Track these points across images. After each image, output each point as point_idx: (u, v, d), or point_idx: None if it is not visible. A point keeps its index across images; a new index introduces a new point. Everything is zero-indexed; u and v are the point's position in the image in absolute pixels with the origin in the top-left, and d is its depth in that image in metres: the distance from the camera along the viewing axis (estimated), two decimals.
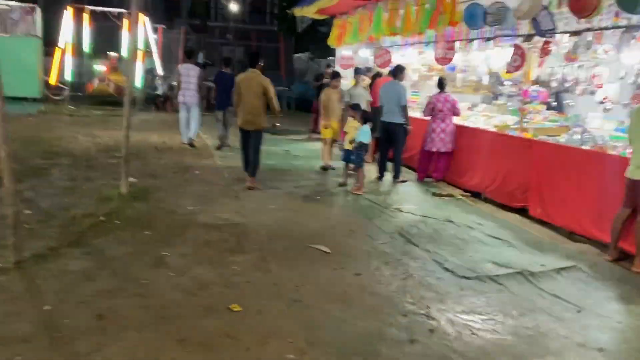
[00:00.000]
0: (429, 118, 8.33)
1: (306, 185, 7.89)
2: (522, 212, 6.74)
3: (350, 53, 13.50)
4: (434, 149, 8.25)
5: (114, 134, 11.32)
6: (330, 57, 26.43)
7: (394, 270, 4.61)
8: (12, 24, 17.21)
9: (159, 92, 18.41)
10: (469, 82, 9.50)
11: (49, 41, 18.89)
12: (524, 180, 6.77)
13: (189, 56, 11.06)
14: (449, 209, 6.89)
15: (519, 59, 6.68)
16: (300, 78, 27.22)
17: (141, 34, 18.05)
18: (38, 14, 17.50)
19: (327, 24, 32.53)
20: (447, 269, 4.69)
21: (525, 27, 7.02)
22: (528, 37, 6.76)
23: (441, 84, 8.28)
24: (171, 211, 5.91)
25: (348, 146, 7.81)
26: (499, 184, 7.24)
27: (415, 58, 10.90)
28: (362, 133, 7.53)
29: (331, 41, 11.75)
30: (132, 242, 4.82)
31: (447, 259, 4.94)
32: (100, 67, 19.01)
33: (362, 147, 7.53)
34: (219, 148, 10.60)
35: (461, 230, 5.95)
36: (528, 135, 7.18)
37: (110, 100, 17.59)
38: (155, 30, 20.70)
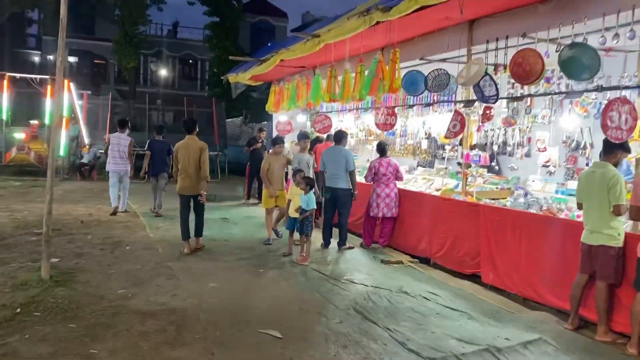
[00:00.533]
0: (371, 183, 8.19)
1: (248, 257, 7.41)
2: (475, 277, 6.58)
3: (287, 118, 13.43)
4: (380, 214, 8.07)
5: (34, 208, 10.45)
6: (264, 122, 26.67)
7: (354, 356, 4.20)
8: None
9: (85, 160, 17.47)
10: (407, 146, 9.54)
11: None
12: (474, 245, 6.65)
13: (122, 126, 10.94)
14: (400, 278, 6.62)
15: (459, 125, 6.72)
16: (233, 142, 27.00)
17: (66, 100, 17.33)
18: None
19: (258, 89, 32.96)
20: (411, 350, 4.33)
21: (462, 93, 7.14)
22: (468, 103, 6.85)
23: (382, 149, 8.21)
24: (100, 297, 5.25)
25: (294, 214, 7.48)
26: (447, 249, 7.09)
27: (353, 123, 10.91)
28: (308, 200, 7.25)
29: (269, 107, 11.60)
30: (54, 338, 4.15)
31: (408, 337, 4.60)
32: (19, 134, 17.95)
33: (309, 214, 7.22)
34: (155, 215, 10.59)
35: (417, 302, 5.66)
36: (472, 199, 7.16)
37: (30, 170, 16.50)
38: (80, 96, 19.97)
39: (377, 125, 8.56)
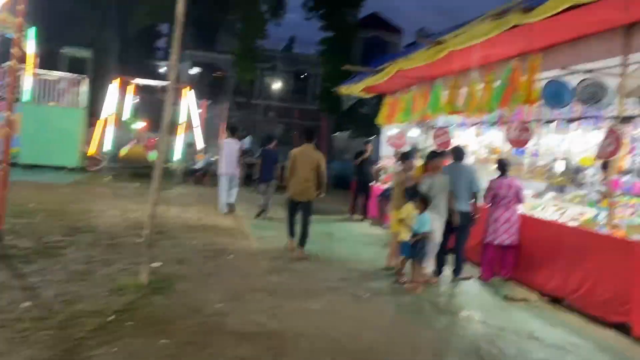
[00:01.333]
0: (489, 206, 7.28)
1: (353, 278, 6.82)
2: (622, 328, 5.47)
3: (397, 132, 12.78)
4: (496, 242, 7.13)
5: (147, 209, 10.62)
6: (372, 137, 26.15)
7: None
8: (58, 94, 17.33)
9: (198, 166, 17.97)
10: (537, 167, 8.46)
11: (93, 112, 18.98)
12: (622, 289, 5.53)
13: (233, 132, 11.94)
14: (528, 320, 5.67)
15: (614, 144, 5.66)
16: (339, 156, 26.75)
17: (185, 106, 17.99)
18: (85, 85, 17.63)
19: (367, 103, 32.51)
20: None
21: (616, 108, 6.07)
22: (625, 120, 5.79)
23: (502, 167, 7.27)
24: (196, 309, 4.91)
25: (404, 237, 6.79)
26: (587, 290, 6.00)
27: (474, 139, 9.99)
28: (422, 221, 6.52)
29: (380, 119, 11.04)
30: (143, 356, 3.80)
31: None
32: (136, 125, 18.90)
33: (423, 238, 6.49)
34: (258, 215, 11.12)
35: (553, 353, 4.73)
36: (621, 233, 6.03)
37: (148, 172, 17.19)
38: (199, 105, 20.71)
39: (510, 141, 7.57)
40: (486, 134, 9.26)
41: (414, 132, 11.84)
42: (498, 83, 6.81)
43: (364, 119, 31.86)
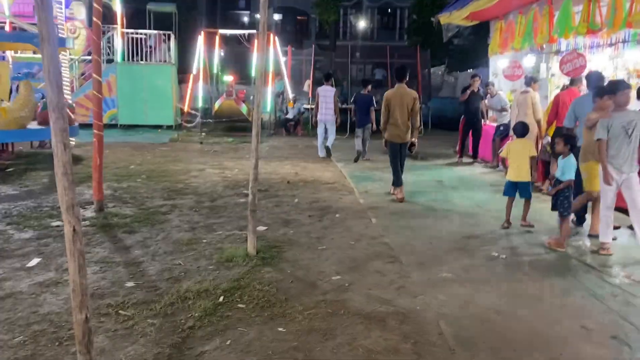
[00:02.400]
0: None
1: (480, 234, 5.95)
2: None
3: (507, 62, 11.34)
4: None
5: (244, 165, 10.24)
6: (469, 70, 24.21)
7: None
8: (148, 52, 17.27)
9: (289, 115, 17.41)
10: None
11: (182, 68, 18.85)
12: None
13: (327, 79, 11.96)
14: None
15: None
16: (435, 93, 25.15)
17: (271, 55, 17.34)
18: (173, 41, 17.43)
19: (461, 35, 30.09)
20: None
21: None
22: None
23: None
24: (311, 284, 4.30)
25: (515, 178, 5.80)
26: None
27: (607, 63, 8.47)
28: (564, 165, 5.44)
29: (492, 48, 9.69)
30: (261, 349, 3.22)
31: None
32: (227, 77, 18.61)
33: (567, 187, 5.43)
34: (356, 160, 11.09)
35: None
36: None
37: (240, 126, 16.91)
38: (284, 52, 20.00)
39: None
40: (625, 54, 7.72)
41: (530, 60, 10.38)
42: None
43: (458, 52, 29.72)
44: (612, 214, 5.38)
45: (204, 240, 5.41)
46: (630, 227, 6.15)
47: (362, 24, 37.61)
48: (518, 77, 9.94)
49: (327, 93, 11.51)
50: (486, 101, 11.23)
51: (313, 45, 21.54)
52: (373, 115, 11.24)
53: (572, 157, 5.39)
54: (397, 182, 7.64)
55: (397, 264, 4.88)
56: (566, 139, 5.41)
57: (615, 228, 6.13)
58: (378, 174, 9.69)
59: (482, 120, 11.60)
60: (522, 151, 6.21)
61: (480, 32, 29.85)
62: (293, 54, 22.80)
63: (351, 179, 9.29)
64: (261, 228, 5.85)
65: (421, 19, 29.39)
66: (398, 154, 7.71)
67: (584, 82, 8.33)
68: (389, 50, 24.07)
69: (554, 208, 5.62)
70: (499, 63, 11.85)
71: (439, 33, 27.86)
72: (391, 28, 39.55)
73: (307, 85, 19.90)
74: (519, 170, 6.20)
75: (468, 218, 6.69)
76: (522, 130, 6.36)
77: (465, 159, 11.59)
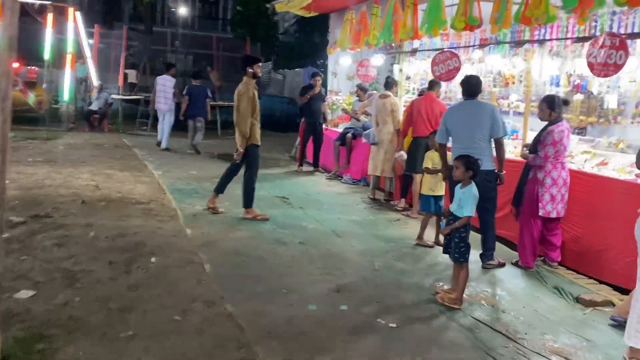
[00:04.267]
0: (538, 163, 5.06)
1: (350, 283, 4.44)
2: None
3: (351, 61, 10.25)
4: (555, 214, 5.00)
5: (23, 173, 7.53)
6: (297, 69, 23.24)
7: None
8: None
9: (94, 106, 14.38)
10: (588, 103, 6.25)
11: None
12: None
13: (167, 69, 12.07)
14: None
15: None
16: (262, 91, 23.67)
17: (71, 33, 14.14)
18: None
19: (288, 32, 29.09)
20: None
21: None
22: None
23: (554, 107, 5.02)
24: None
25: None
26: None
27: (470, 67, 7.62)
28: (464, 197, 4.16)
29: (342, 42, 8.33)
30: None
31: None
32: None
33: (465, 225, 4.14)
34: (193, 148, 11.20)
35: None
36: None
37: (32, 117, 13.42)
38: (90, 34, 16.81)
39: (592, 66, 5.13)
40: (491, 57, 6.91)
41: (378, 60, 9.33)
42: None
43: (283, 49, 28.70)
44: None
45: None
46: (516, 264, 5.22)
47: (182, 10, 34.64)
48: (372, 78, 8.80)
49: (167, 82, 11.45)
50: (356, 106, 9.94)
51: (125, 28, 18.50)
52: (208, 107, 11.48)
53: (473, 186, 4.13)
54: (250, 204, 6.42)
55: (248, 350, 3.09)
56: (467, 164, 4.13)
57: (500, 265, 5.15)
58: (207, 186, 7.78)
59: (324, 125, 10.32)
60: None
61: (306, 29, 29.40)
62: (102, 36, 19.52)
63: (173, 193, 7.24)
64: (24, 295, 3.62)
65: (247, 10, 27.82)
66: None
67: (445, 86, 7.46)
68: (215, 41, 21.99)
69: (445, 251, 4.35)
70: (341, 61, 10.71)
71: (266, 26, 26.43)
72: (214, 18, 37.32)
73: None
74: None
75: (330, 257, 5.15)
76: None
77: (305, 168, 10.19)
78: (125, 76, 17.36)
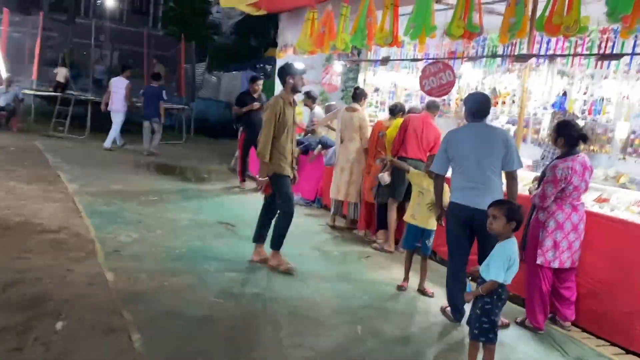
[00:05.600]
0: (545, 204, 4.19)
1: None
2: None
3: (303, 66, 9.18)
4: (568, 264, 4.15)
5: None
6: (235, 72, 21.87)
7: None
8: None
9: (1, 102, 12.41)
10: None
11: None
12: None
13: (123, 70, 11.65)
14: None
15: None
16: (195, 93, 22.04)
17: None
18: None
19: (224, 33, 27.56)
20: None
21: None
22: None
23: (574, 137, 4.19)
24: None
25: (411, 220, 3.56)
26: None
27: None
28: (500, 255, 3.14)
29: (301, 45, 7.20)
30: None
31: None
32: None
33: (493, 292, 3.15)
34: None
35: None
36: None
37: None
38: None
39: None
40: (475, 72, 6.05)
41: (337, 67, 8.32)
42: None
43: (218, 51, 27.13)
44: None
45: None
46: (523, 324, 4.31)
47: (110, 1, 32.17)
48: (335, 88, 7.75)
49: (119, 84, 11.17)
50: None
51: (40, 14, 16.42)
52: (162, 109, 11.20)
53: (510, 243, 3.14)
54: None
55: None
56: (510, 213, 3.13)
57: (505, 326, 4.22)
58: (133, 207, 6.46)
59: None
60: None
61: (242, 31, 28.04)
62: (15, 23, 17.41)
63: (91, 217, 5.84)
64: None
65: (181, 7, 26.10)
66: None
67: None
68: (147, 38, 20.24)
69: (469, 323, 3.34)
70: (298, 65, 9.60)
71: (199, 27, 24.87)
72: (144, 13, 35.10)
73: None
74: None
75: (298, 316, 4.00)
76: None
77: (247, 185, 8.96)
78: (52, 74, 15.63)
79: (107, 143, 11.01)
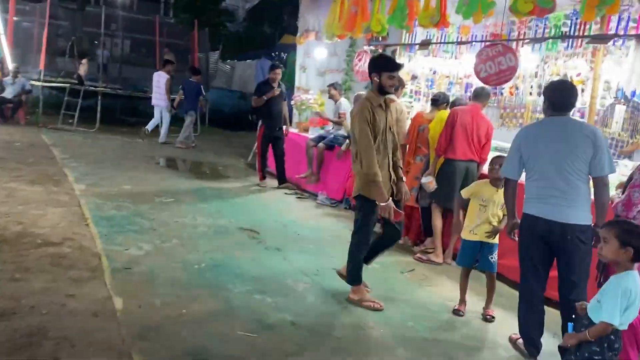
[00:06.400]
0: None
1: None
2: None
3: (326, 52, 8.52)
4: None
5: None
6: (249, 60, 21.12)
7: None
8: None
9: (7, 93, 11.85)
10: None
11: None
12: None
13: (164, 65, 11.88)
14: None
15: None
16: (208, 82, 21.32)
17: None
18: None
19: (236, 20, 26.82)
20: None
21: None
22: None
23: None
24: None
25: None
26: None
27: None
28: (614, 290, 2.45)
29: (329, 28, 6.47)
30: None
31: None
32: None
33: (604, 338, 2.44)
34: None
35: None
36: None
37: None
38: (4, 7, 14.14)
39: None
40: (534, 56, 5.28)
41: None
42: None
43: (230, 38, 26.37)
44: None
45: None
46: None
47: None
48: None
49: (160, 79, 11.36)
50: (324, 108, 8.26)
51: (48, 2, 15.83)
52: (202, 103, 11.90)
53: (631, 275, 2.44)
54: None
55: None
56: (624, 235, 2.42)
57: None
58: (146, 210, 5.83)
59: (286, 128, 8.43)
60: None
61: (255, 18, 27.24)
62: (22, 12, 16.82)
63: (98, 225, 5.20)
64: None
65: None
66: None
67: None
68: (158, 25, 19.56)
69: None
70: (315, 53, 8.92)
71: (211, 14, 24.16)
72: (156, 0, 34.44)
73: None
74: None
75: (343, 353, 3.34)
76: None
77: (269, 182, 8.29)
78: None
79: (162, 138, 11.29)
